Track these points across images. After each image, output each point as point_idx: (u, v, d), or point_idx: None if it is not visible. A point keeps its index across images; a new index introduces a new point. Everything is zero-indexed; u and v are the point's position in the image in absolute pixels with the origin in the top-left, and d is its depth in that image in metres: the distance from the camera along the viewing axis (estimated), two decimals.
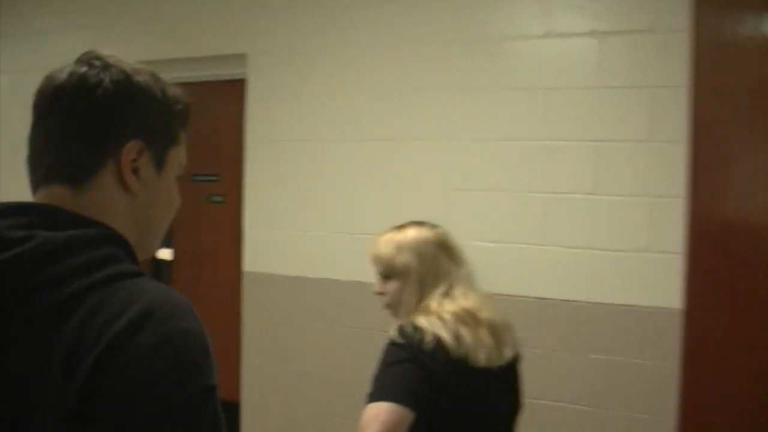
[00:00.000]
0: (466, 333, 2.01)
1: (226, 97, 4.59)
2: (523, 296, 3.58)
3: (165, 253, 4.92)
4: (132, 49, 4.70)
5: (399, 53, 3.88)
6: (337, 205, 4.02)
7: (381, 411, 1.88)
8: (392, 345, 2.00)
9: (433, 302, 2.08)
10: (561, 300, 3.52)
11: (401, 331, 2.01)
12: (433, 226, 2.27)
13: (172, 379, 0.94)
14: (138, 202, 1.12)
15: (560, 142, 3.53)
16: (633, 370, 3.39)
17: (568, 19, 3.53)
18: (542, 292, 3.56)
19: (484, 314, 2.09)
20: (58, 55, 4.97)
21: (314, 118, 4.09)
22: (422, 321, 2.01)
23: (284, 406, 4.17)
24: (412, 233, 2.22)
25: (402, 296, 2.16)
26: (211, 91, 4.68)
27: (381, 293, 2.22)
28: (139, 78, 1.13)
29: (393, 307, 2.20)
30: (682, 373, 3.26)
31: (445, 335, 1.98)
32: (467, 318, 2.05)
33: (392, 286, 2.18)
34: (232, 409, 4.45)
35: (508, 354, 2.12)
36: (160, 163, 1.16)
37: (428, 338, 1.97)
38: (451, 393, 1.99)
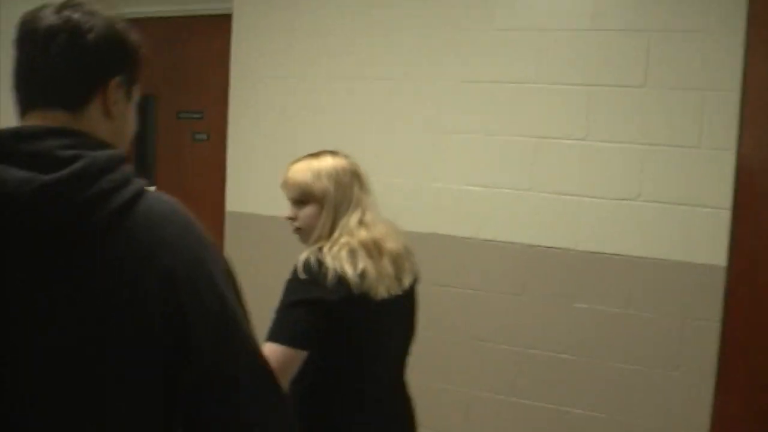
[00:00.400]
0: (370, 267, 2.11)
1: (212, 32, 4.47)
2: (511, 242, 3.52)
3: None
4: None
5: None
6: (323, 145, 3.89)
7: (274, 353, 1.97)
8: (296, 281, 2.07)
9: (346, 229, 2.17)
10: (547, 247, 3.46)
11: (306, 266, 2.07)
12: (346, 156, 2.34)
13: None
14: (115, 126, 1.37)
15: (554, 86, 3.44)
16: (619, 320, 3.35)
17: None
18: (532, 239, 3.50)
19: (389, 244, 2.20)
20: None
21: (301, 56, 3.98)
22: (327, 256, 2.08)
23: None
24: (329, 161, 2.28)
25: (316, 221, 2.21)
26: (195, 26, 4.56)
27: (293, 218, 2.27)
28: (119, 26, 1.36)
29: (305, 232, 2.25)
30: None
31: (349, 271, 2.06)
32: (373, 250, 2.16)
33: (306, 211, 2.24)
34: None
35: (406, 281, 2.23)
36: (128, 96, 1.40)
37: (330, 275, 2.04)
38: (350, 327, 2.10)
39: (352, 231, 2.17)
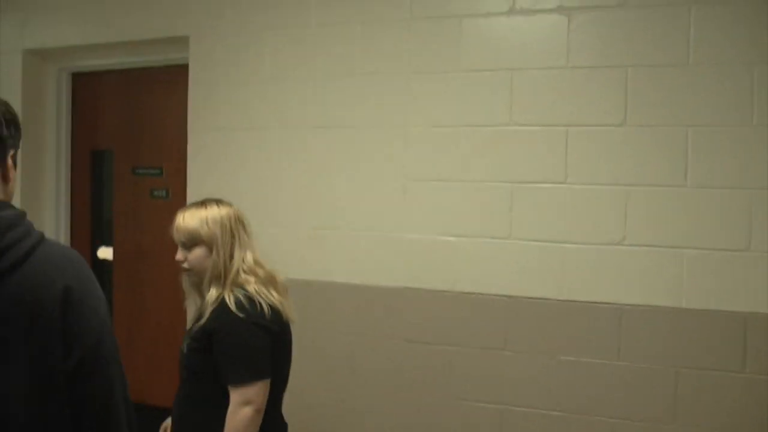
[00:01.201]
0: (277, 296, 2.48)
1: (168, 84, 4.29)
2: (489, 294, 3.32)
3: (106, 252, 4.60)
4: (65, 35, 4.39)
5: (351, 33, 3.58)
6: (285, 198, 3.72)
7: (251, 392, 2.35)
8: (236, 322, 2.37)
9: (246, 267, 2.50)
10: (529, 298, 3.27)
11: (239, 305, 2.38)
12: (230, 204, 2.61)
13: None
14: (9, 188, 1.64)
15: (526, 127, 3.27)
16: (607, 371, 3.15)
17: None
18: (509, 289, 3.30)
19: (279, 278, 2.56)
20: None
21: (260, 105, 3.78)
22: (254, 293, 2.42)
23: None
24: (214, 208, 2.56)
25: (205, 262, 2.50)
26: (152, 77, 4.39)
27: (182, 261, 2.56)
28: (10, 107, 1.64)
29: (195, 273, 2.54)
30: None
31: (275, 301, 2.45)
32: (276, 283, 2.52)
33: (195, 254, 2.52)
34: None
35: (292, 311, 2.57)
36: (15, 162, 1.66)
37: (264, 307, 2.40)
38: (284, 349, 2.52)
39: (253, 269, 2.50)
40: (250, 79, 3.80)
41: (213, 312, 2.42)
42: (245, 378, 2.36)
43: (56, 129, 4.64)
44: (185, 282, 2.61)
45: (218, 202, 2.59)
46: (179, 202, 4.10)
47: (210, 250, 2.50)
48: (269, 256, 3.69)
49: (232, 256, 2.50)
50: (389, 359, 3.49)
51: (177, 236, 2.56)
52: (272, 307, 2.42)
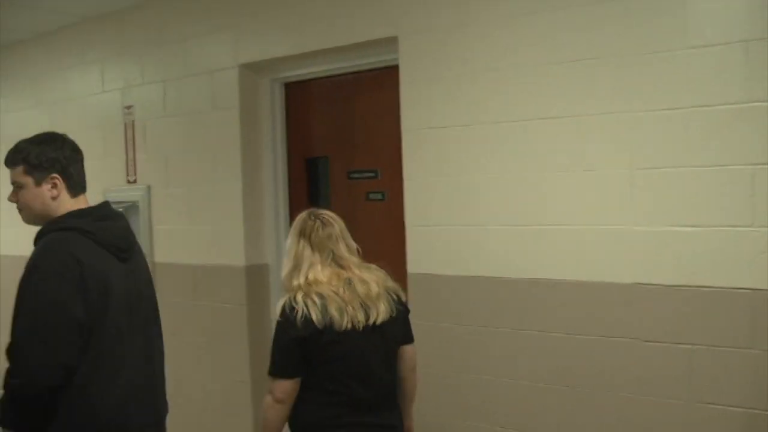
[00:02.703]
0: (332, 306, 2.81)
1: (378, 86, 4.31)
2: (730, 288, 3.06)
3: None
4: (275, 47, 4.51)
5: (571, 18, 3.41)
6: (509, 195, 3.61)
7: (274, 386, 2.88)
8: (277, 324, 2.86)
9: (307, 277, 2.89)
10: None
11: (282, 310, 2.85)
12: (315, 218, 3.06)
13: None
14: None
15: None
16: None
17: None
18: (754, 282, 3.03)
19: (360, 288, 2.90)
20: (200, 58, 4.88)
21: (474, 100, 3.69)
22: (296, 300, 2.82)
23: (462, 419, 3.80)
24: (295, 225, 3.06)
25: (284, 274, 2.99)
26: (362, 81, 4.42)
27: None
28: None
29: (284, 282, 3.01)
30: None
31: (312, 310, 2.79)
32: (336, 293, 2.84)
33: (284, 263, 3.01)
34: None
35: (378, 315, 2.89)
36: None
37: (300, 315, 2.78)
38: (321, 351, 2.82)
39: (315, 279, 2.88)
40: (462, 74, 3.72)
41: None
42: (270, 371, 2.89)
43: (272, 139, 4.77)
44: None
45: (304, 218, 3.05)
46: (396, 203, 4.09)
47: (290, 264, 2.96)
48: (486, 255, 3.64)
49: (296, 268, 2.92)
50: (627, 360, 3.30)
51: None
52: (307, 315, 2.78)
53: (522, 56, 3.54)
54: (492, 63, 3.63)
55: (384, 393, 2.99)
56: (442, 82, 3.79)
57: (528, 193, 3.55)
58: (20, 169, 2.78)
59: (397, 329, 3.03)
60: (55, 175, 2.80)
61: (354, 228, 4.44)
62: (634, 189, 3.26)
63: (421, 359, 3.90)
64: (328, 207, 4.57)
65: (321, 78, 4.60)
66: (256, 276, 4.75)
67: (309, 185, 4.75)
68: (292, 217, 4.78)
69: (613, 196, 3.32)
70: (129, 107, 5.43)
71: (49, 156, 2.79)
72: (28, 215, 2.83)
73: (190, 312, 5.05)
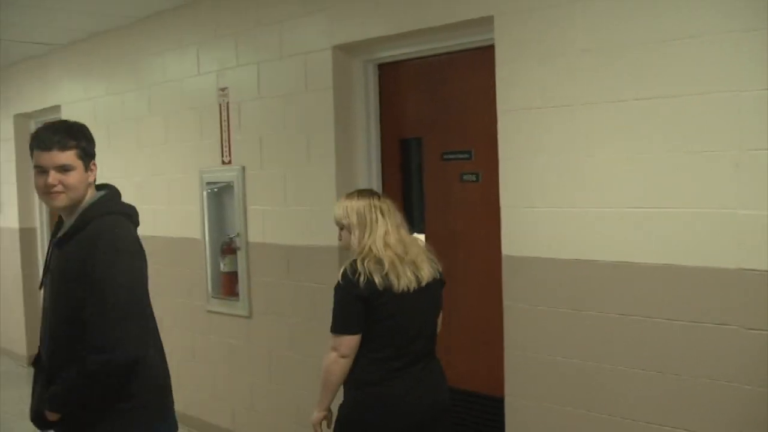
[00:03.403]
0: (391, 270, 3.21)
1: (474, 67, 4.27)
2: None
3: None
4: (369, 28, 4.50)
5: None
6: (608, 178, 3.52)
7: (339, 342, 3.24)
8: (339, 286, 3.25)
9: (373, 245, 3.26)
10: None
11: (344, 274, 3.23)
12: (372, 193, 3.50)
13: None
14: None
15: None
16: None
17: None
18: None
19: (410, 255, 3.31)
20: (294, 40, 4.91)
21: (571, 81, 3.61)
22: (360, 265, 3.21)
23: (551, 403, 3.75)
24: (354, 200, 3.39)
25: (350, 241, 3.36)
26: (456, 62, 4.39)
27: (339, 240, 3.48)
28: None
29: (345, 248, 3.48)
30: None
31: (373, 273, 3.19)
32: (394, 259, 3.25)
33: (343, 234, 3.41)
34: (495, 405, 4.13)
35: (424, 278, 3.31)
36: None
37: (362, 278, 3.18)
38: (380, 309, 3.21)
39: (378, 246, 3.26)
40: (560, 54, 3.64)
41: None
42: (335, 329, 3.25)
43: (365, 120, 4.78)
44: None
45: (360, 194, 3.45)
46: (491, 184, 4.05)
47: (350, 232, 3.34)
48: (584, 238, 3.57)
49: (363, 237, 3.30)
50: (728, 347, 3.20)
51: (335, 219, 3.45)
52: (369, 277, 3.18)
53: (621, 35, 3.44)
54: (590, 42, 3.54)
55: (430, 346, 3.42)
56: (539, 62, 3.73)
57: (628, 175, 3.45)
58: (73, 153, 2.88)
59: (438, 293, 3.46)
60: (94, 161, 2.99)
61: (447, 209, 4.46)
62: (740, 171, 3.14)
63: (515, 342, 3.89)
64: (421, 188, 4.61)
65: (414, 59, 4.57)
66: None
67: (402, 166, 4.75)
68: None
69: (718, 178, 3.20)
70: (224, 89, 5.51)
71: (93, 143, 3.00)
72: (71, 198, 2.92)
73: (283, 292, 5.12)
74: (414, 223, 4.70)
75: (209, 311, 5.84)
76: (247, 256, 5.44)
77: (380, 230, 3.29)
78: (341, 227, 3.39)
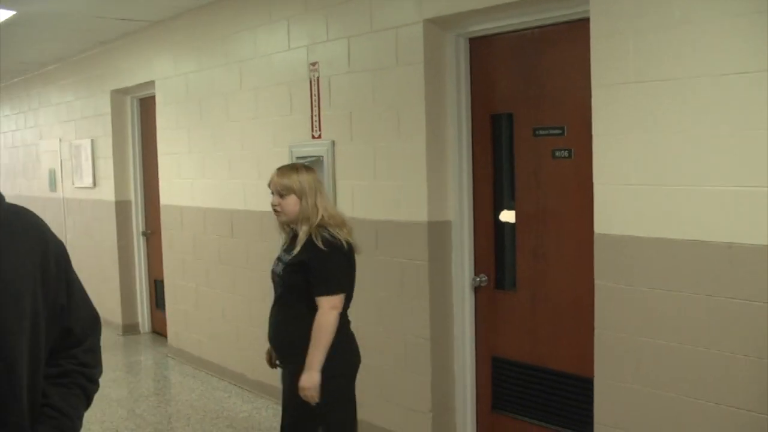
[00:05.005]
0: (350, 232, 3.71)
1: (566, 41, 4.17)
2: None
3: (508, 215, 4.62)
4: (461, 1, 4.44)
5: None
6: (704, 155, 3.41)
7: (338, 300, 3.64)
8: (324, 252, 3.57)
9: (328, 212, 3.67)
10: None
11: (326, 240, 3.59)
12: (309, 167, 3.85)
13: None
14: None
15: None
16: None
17: None
18: None
19: (347, 222, 3.77)
20: (385, 14, 4.86)
21: (669, 54, 3.49)
22: (335, 231, 3.62)
23: (641, 385, 3.67)
24: (303, 173, 3.74)
25: (296, 208, 3.67)
26: (549, 35, 4.30)
27: (276, 205, 3.73)
28: None
29: (286, 216, 3.73)
30: None
31: (349, 238, 3.68)
32: (343, 224, 3.70)
33: (288, 201, 3.69)
34: (585, 385, 4.08)
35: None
36: None
37: (343, 242, 3.61)
38: (354, 268, 3.75)
39: (332, 213, 3.71)
40: (656, 27, 3.52)
41: (304, 245, 3.61)
42: (333, 290, 3.62)
43: (456, 94, 4.73)
44: (278, 221, 3.81)
45: (301, 167, 3.80)
46: (584, 161, 3.97)
47: (299, 198, 3.64)
48: (679, 217, 3.46)
49: (315, 205, 3.63)
50: None
51: (273, 187, 3.72)
52: (347, 242, 3.64)
53: (725, 4, 3.32)
54: (688, 14, 3.42)
55: None
56: (636, 35, 3.61)
57: (725, 152, 3.33)
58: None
59: None
60: None
61: (538, 186, 4.39)
62: None
63: (606, 322, 3.81)
64: (511, 165, 4.54)
65: (506, 33, 4.50)
66: (438, 233, 4.75)
67: (493, 142, 4.69)
68: (475, 174, 4.75)
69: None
70: (314, 64, 5.53)
71: None
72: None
73: (371, 267, 5.13)
74: (504, 200, 4.65)
75: None
76: None
77: (327, 200, 3.78)
78: (287, 193, 3.67)
